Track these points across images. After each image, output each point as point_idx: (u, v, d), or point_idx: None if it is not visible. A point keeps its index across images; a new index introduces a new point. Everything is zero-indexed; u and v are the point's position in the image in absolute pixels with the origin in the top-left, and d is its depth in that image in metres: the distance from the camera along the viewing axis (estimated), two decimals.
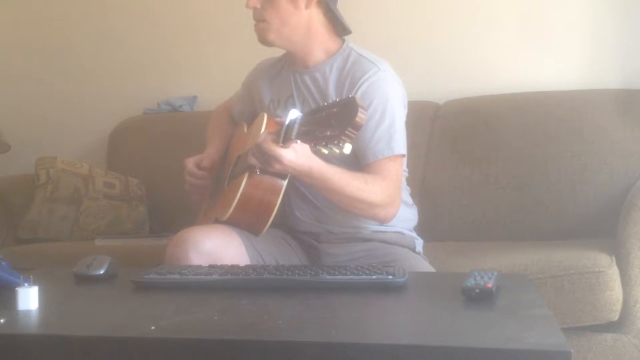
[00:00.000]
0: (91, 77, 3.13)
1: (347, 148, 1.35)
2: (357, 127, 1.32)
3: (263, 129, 1.67)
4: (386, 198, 1.70)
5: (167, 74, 3.04)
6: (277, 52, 1.93)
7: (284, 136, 1.49)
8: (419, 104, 2.35)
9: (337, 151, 1.36)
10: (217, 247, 1.63)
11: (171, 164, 2.73)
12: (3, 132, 3.01)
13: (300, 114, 1.47)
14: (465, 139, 2.47)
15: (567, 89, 2.49)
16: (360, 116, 1.32)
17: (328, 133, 1.35)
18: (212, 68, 2.97)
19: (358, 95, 1.35)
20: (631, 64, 2.53)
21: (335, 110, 1.37)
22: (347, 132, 1.32)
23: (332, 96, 1.78)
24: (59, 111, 3.17)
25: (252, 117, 1.95)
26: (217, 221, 1.74)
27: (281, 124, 1.53)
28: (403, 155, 1.77)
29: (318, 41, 1.81)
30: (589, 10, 2.58)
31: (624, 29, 2.55)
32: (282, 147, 1.50)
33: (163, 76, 3.04)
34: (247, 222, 1.70)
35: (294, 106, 1.81)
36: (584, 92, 2.45)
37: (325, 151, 1.38)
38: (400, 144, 1.74)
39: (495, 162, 2.40)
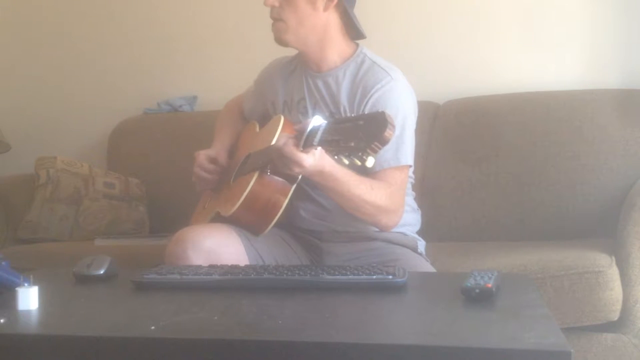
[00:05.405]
0: (91, 77, 3.13)
1: (370, 162, 1.33)
2: (384, 142, 1.31)
3: (279, 131, 1.67)
4: (390, 205, 1.70)
5: (167, 74, 3.04)
6: (279, 53, 1.93)
7: (305, 141, 1.47)
8: (419, 104, 2.33)
9: (359, 163, 1.34)
10: (216, 245, 1.63)
11: (171, 164, 2.75)
12: (3, 132, 3.01)
13: (325, 122, 1.44)
14: (465, 139, 2.47)
15: (567, 89, 2.48)
16: (389, 132, 1.30)
17: (352, 144, 1.33)
18: (212, 68, 2.97)
19: (387, 112, 1.35)
20: (631, 64, 2.53)
21: (361, 122, 1.34)
22: (373, 145, 1.30)
23: (344, 102, 1.78)
24: (59, 111, 3.17)
25: (262, 115, 1.95)
26: (219, 215, 1.74)
27: (300, 129, 1.50)
28: (410, 166, 1.78)
29: (333, 45, 1.81)
30: (589, 11, 2.58)
31: (624, 29, 2.54)
32: (302, 151, 1.49)
33: (163, 76, 3.04)
34: (250, 220, 1.70)
35: (306, 109, 1.82)
36: (584, 92, 2.45)
37: (347, 161, 1.37)
38: (407, 154, 1.75)
39: (495, 162, 2.40)
